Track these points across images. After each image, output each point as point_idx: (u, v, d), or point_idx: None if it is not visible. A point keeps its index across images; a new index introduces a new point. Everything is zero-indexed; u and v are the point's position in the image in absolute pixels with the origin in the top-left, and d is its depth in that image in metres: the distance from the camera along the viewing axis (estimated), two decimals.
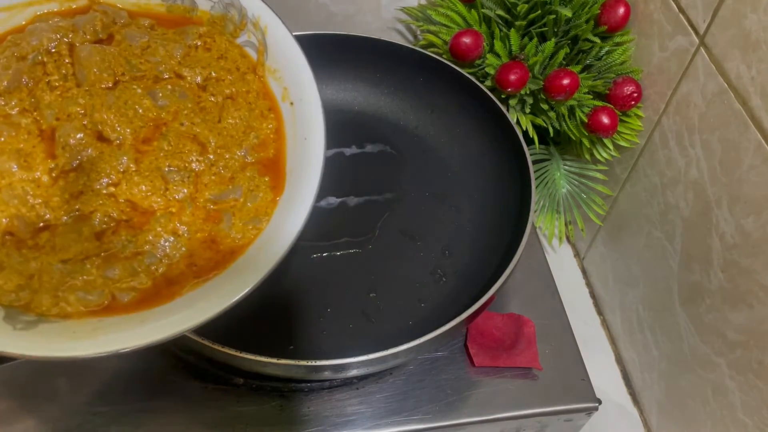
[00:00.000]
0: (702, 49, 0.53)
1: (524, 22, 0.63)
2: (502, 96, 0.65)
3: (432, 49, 0.67)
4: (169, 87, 0.45)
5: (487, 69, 0.64)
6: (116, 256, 0.40)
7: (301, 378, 0.52)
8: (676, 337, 0.60)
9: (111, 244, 0.40)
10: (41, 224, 0.40)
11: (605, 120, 0.62)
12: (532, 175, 0.56)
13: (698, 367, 0.57)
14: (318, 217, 0.59)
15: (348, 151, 0.66)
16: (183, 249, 0.41)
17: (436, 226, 0.61)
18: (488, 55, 0.64)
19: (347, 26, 0.74)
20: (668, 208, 0.60)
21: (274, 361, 0.44)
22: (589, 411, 0.54)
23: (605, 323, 0.74)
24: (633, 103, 0.62)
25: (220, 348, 0.44)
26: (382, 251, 0.59)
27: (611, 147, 0.66)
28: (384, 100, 0.68)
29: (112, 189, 0.41)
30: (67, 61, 0.44)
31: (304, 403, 0.52)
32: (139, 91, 0.44)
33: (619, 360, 0.71)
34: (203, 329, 0.45)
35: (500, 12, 0.64)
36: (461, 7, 0.66)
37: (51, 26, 0.44)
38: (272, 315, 0.54)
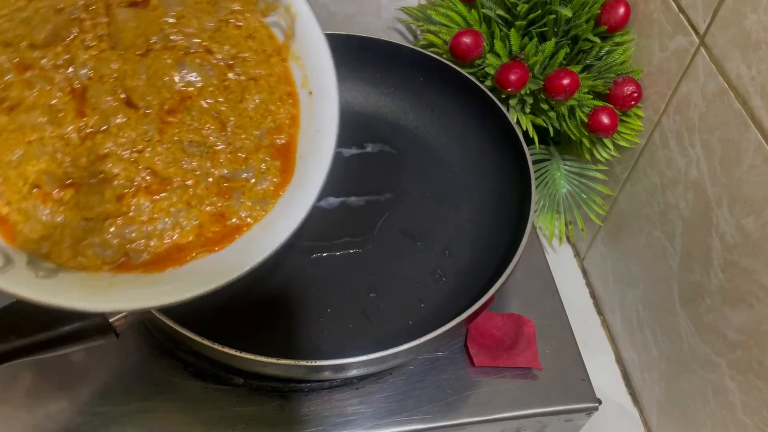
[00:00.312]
0: (702, 49, 0.53)
1: (524, 22, 0.63)
2: (502, 96, 0.65)
3: (432, 49, 0.67)
4: (198, 61, 0.45)
5: (487, 69, 0.64)
6: (134, 219, 0.42)
7: (301, 378, 0.52)
8: (676, 337, 0.60)
9: (130, 208, 0.42)
10: (68, 181, 0.41)
11: (605, 120, 0.62)
12: (532, 175, 0.56)
13: (698, 367, 0.57)
14: (318, 217, 0.60)
15: (348, 151, 0.66)
16: (195, 221, 0.43)
17: (436, 226, 0.61)
18: (488, 55, 0.64)
19: (347, 26, 0.74)
20: (668, 208, 0.60)
21: (274, 361, 0.44)
22: (589, 411, 0.54)
23: (605, 323, 0.74)
24: (633, 103, 0.62)
25: (220, 348, 0.44)
26: (382, 251, 0.59)
27: (611, 147, 0.66)
28: (384, 100, 0.68)
29: (136, 155, 0.43)
30: (103, 20, 0.43)
31: (304, 403, 0.52)
32: (169, 62, 0.44)
33: (619, 360, 0.71)
34: (204, 329, 0.45)
35: (500, 12, 0.64)
36: (461, 7, 0.66)
37: None
38: (272, 315, 0.54)
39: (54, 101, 0.41)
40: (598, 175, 0.70)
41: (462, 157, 0.65)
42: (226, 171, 0.45)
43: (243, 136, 0.46)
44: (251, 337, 0.49)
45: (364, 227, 0.60)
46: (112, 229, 0.41)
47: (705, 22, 0.52)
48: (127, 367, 0.54)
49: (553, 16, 0.62)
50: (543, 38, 0.64)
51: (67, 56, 0.42)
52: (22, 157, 0.40)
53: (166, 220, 0.43)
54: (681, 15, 0.55)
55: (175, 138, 0.44)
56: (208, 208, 0.44)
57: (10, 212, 0.40)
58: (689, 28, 0.54)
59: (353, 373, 0.49)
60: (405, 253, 0.59)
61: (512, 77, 0.61)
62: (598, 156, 0.67)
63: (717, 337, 0.54)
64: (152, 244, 0.42)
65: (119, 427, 0.50)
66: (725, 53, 0.50)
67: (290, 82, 0.47)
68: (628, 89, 0.61)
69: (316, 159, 0.46)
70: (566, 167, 0.71)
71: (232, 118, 0.45)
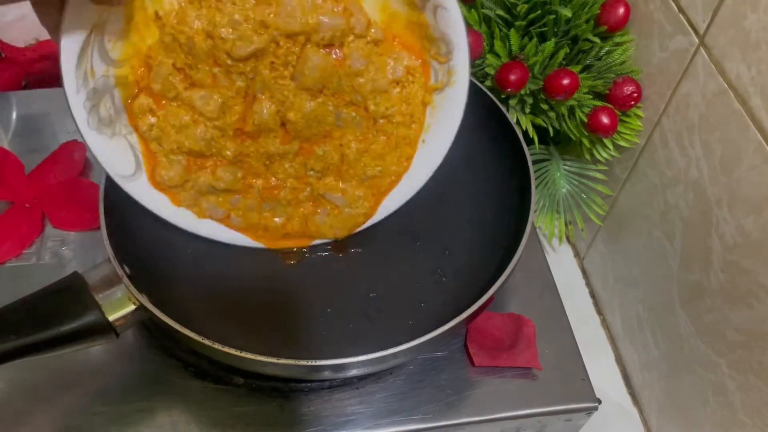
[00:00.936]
0: (702, 49, 0.53)
1: (524, 22, 0.63)
2: (502, 96, 0.64)
3: None
4: (353, 114, 0.49)
5: (487, 69, 0.64)
6: (246, 197, 0.53)
7: (301, 378, 0.52)
8: (676, 337, 0.60)
9: (247, 189, 0.53)
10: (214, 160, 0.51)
11: (605, 120, 0.62)
12: (532, 175, 0.56)
13: (698, 367, 0.57)
14: None
15: None
16: (285, 216, 0.55)
17: (436, 226, 0.61)
18: (488, 55, 0.64)
19: None
20: (668, 208, 0.60)
21: (274, 361, 0.44)
22: (589, 411, 0.54)
23: (605, 323, 0.74)
24: (633, 103, 0.62)
25: (220, 348, 0.44)
26: (382, 251, 0.59)
27: (611, 147, 0.66)
28: None
29: (267, 162, 0.51)
30: (295, 55, 0.46)
31: (304, 403, 0.52)
32: (331, 108, 0.49)
33: (619, 360, 0.71)
34: (204, 328, 0.45)
35: (500, 12, 0.64)
36: (461, 7, 0.66)
37: (302, 7, 0.45)
38: (272, 315, 0.54)
39: (231, 103, 0.47)
40: (598, 175, 0.70)
41: (462, 157, 0.64)
42: (325, 191, 0.53)
43: (351, 172, 0.52)
44: (251, 337, 0.50)
45: (364, 227, 0.60)
46: (226, 198, 0.52)
47: (705, 22, 0.52)
48: (127, 367, 0.54)
49: (553, 16, 0.62)
50: (543, 38, 0.64)
51: (253, 68, 0.46)
52: (184, 130, 0.48)
53: (268, 205, 0.53)
54: (681, 15, 0.55)
55: (303, 162, 0.51)
56: (300, 210, 0.54)
57: (159, 153, 0.49)
58: (689, 28, 0.54)
59: (353, 372, 0.49)
60: (405, 253, 0.59)
61: (512, 77, 0.61)
62: (598, 156, 0.67)
63: (717, 337, 0.54)
64: (250, 215, 0.54)
65: (119, 427, 0.50)
66: (725, 53, 0.50)
67: (415, 146, 0.53)
68: (628, 89, 0.61)
69: (392, 202, 0.55)
70: (566, 167, 0.71)
71: (352, 161, 0.52)
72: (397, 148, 0.52)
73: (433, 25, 0.47)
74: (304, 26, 0.44)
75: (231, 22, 0.44)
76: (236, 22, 0.44)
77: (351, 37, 0.46)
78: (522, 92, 0.64)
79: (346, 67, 0.47)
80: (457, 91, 0.49)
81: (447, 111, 0.50)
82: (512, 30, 0.63)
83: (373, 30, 0.47)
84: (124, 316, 0.46)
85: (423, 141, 0.52)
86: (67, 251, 0.60)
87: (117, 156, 0.48)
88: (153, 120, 0.48)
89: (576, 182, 0.71)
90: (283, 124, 0.50)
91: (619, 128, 0.63)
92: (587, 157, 0.68)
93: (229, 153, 0.50)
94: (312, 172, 0.53)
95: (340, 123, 0.50)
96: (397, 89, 0.50)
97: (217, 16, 0.44)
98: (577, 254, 0.79)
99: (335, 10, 0.45)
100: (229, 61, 0.46)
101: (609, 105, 0.63)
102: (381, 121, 0.50)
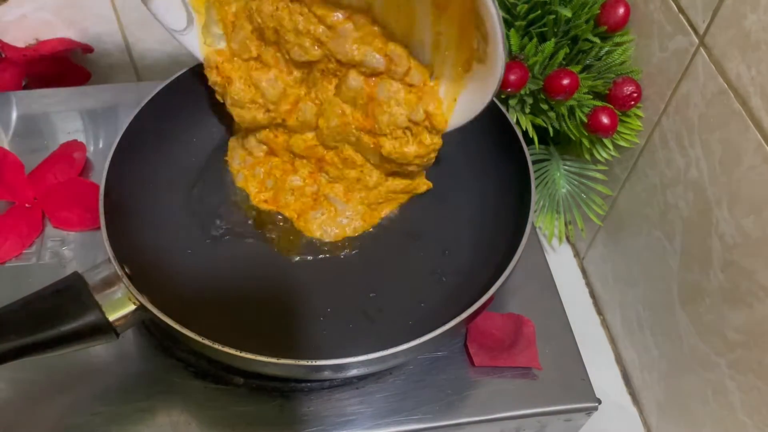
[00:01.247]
0: (702, 49, 0.53)
1: (524, 22, 0.63)
2: (502, 96, 0.64)
3: None
4: (370, 140, 0.55)
5: None
6: (259, 165, 0.62)
7: (301, 378, 0.52)
8: (676, 337, 0.60)
9: (263, 159, 0.61)
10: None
11: (605, 120, 0.62)
12: (532, 175, 0.56)
13: (698, 367, 0.57)
14: None
15: None
16: (282, 201, 0.60)
17: (436, 226, 0.61)
18: None
19: None
20: (668, 208, 0.60)
21: (274, 360, 0.44)
22: (589, 411, 0.54)
23: (605, 323, 0.74)
24: (633, 103, 0.62)
25: (220, 348, 0.44)
26: (382, 251, 0.59)
27: (611, 147, 0.66)
28: None
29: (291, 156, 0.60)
30: (341, 72, 0.52)
31: (304, 403, 0.52)
32: (354, 129, 0.55)
33: (619, 360, 0.71)
34: (204, 328, 0.45)
35: (500, 12, 0.64)
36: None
37: (351, 41, 0.51)
38: (272, 315, 0.54)
39: (287, 87, 0.55)
40: (598, 175, 0.70)
41: (462, 157, 0.65)
42: (330, 197, 0.59)
43: (363, 196, 0.59)
44: (251, 337, 0.49)
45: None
46: (245, 157, 0.62)
47: (704, 22, 0.52)
48: (127, 367, 0.54)
49: (552, 16, 0.62)
50: (543, 38, 0.64)
51: (308, 67, 0.54)
52: (238, 106, 0.57)
53: (271, 182, 0.61)
54: (681, 15, 0.55)
55: (321, 166, 0.59)
56: (299, 202, 0.60)
57: (229, 69, 0.57)
58: (689, 28, 0.54)
59: (353, 372, 0.49)
60: (405, 253, 0.59)
61: (512, 77, 0.61)
62: (598, 156, 0.67)
63: (717, 337, 0.54)
64: (253, 180, 0.61)
65: (119, 427, 0.50)
66: (725, 53, 0.50)
67: (407, 196, 0.60)
68: (628, 89, 0.61)
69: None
70: (566, 167, 0.71)
71: (362, 173, 0.58)
72: (392, 193, 0.59)
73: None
74: (351, 59, 0.51)
75: (295, 30, 0.51)
76: (299, 32, 0.51)
77: (385, 74, 0.51)
78: (522, 92, 0.64)
79: (374, 94, 0.52)
80: (489, 71, 0.48)
81: (480, 81, 0.50)
82: (512, 30, 0.63)
83: (411, 75, 0.51)
84: (124, 316, 0.46)
85: (455, 99, 0.53)
86: (67, 251, 0.60)
87: (170, 13, 0.55)
88: (216, 79, 0.56)
89: (576, 182, 0.71)
90: (315, 128, 0.56)
91: (619, 128, 0.63)
92: (587, 157, 0.68)
93: (270, 113, 0.57)
94: (325, 175, 0.59)
95: (357, 147, 0.56)
96: (411, 141, 0.53)
97: (287, 19, 0.50)
98: (576, 254, 0.79)
99: (379, 48, 0.50)
100: (287, 57, 0.53)
101: (609, 105, 0.63)
102: (389, 167, 0.56)
